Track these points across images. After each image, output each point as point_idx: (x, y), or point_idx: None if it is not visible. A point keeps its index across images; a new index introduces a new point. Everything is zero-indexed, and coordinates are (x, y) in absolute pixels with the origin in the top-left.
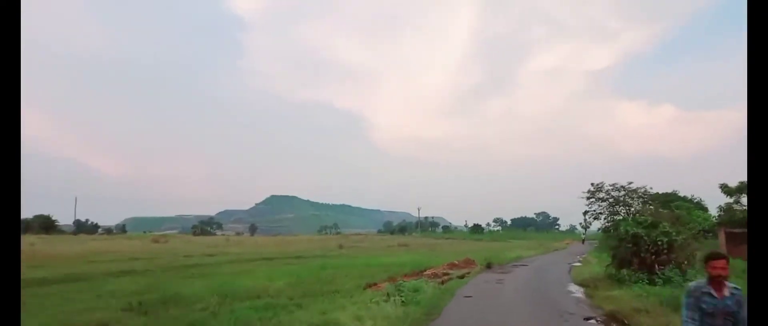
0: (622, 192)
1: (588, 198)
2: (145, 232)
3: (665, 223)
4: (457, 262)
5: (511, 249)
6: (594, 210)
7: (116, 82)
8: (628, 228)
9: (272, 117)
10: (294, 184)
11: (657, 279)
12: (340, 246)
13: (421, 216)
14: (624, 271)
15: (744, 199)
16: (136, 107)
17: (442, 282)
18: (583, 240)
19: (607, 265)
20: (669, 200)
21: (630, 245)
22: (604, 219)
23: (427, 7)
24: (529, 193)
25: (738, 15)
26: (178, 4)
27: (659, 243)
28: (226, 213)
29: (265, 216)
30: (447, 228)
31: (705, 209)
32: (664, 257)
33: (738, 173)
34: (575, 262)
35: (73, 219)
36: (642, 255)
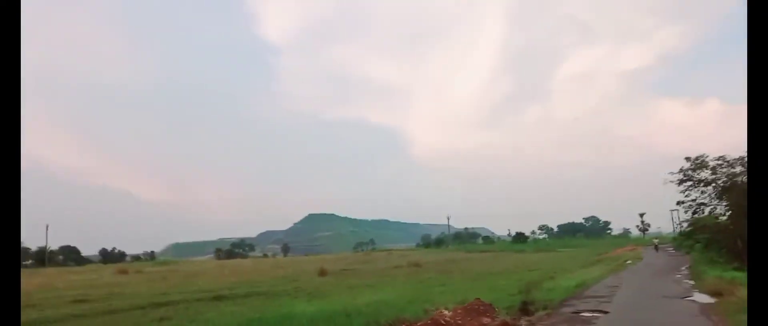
0: (738, 168)
1: (681, 182)
2: (179, 258)
3: None
4: (453, 311)
5: (564, 266)
6: (692, 201)
7: (152, 109)
8: None
9: (307, 136)
10: (332, 202)
11: None
12: (322, 273)
13: (462, 227)
14: None
15: None
16: (172, 133)
17: None
18: (656, 246)
19: None
20: None
21: None
22: (708, 210)
23: (453, 22)
24: (574, 198)
25: None
26: (211, 32)
27: None
28: (267, 235)
29: (303, 235)
30: (487, 239)
31: None
32: None
33: None
34: (702, 296)
35: (98, 249)
36: None
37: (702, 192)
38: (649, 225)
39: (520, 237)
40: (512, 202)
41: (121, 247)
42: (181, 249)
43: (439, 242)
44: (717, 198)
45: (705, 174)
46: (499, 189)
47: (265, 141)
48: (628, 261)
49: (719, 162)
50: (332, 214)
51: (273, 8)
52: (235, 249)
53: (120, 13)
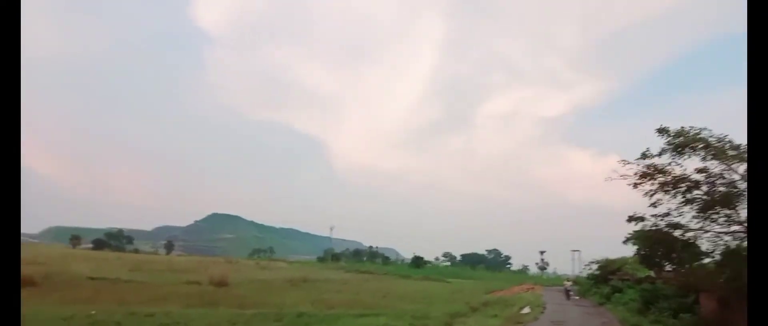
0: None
1: (643, 176)
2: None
3: None
4: None
5: (441, 304)
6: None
7: (63, 83)
8: None
9: (228, 133)
10: (240, 204)
11: None
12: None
13: (372, 245)
14: None
15: None
16: (87, 109)
17: None
18: (568, 291)
19: None
20: None
21: None
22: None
23: (392, 44)
24: (481, 231)
25: (686, 78)
26: (141, 11)
27: None
28: (165, 229)
29: (203, 234)
30: (386, 260)
31: None
32: None
33: None
34: None
35: None
36: None
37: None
38: (547, 264)
39: (417, 262)
40: (424, 227)
41: None
42: (61, 233)
43: (336, 257)
44: (700, 211)
45: (690, 161)
46: (414, 212)
47: (184, 130)
48: (525, 310)
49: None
50: (237, 216)
51: None
52: (109, 241)
53: None
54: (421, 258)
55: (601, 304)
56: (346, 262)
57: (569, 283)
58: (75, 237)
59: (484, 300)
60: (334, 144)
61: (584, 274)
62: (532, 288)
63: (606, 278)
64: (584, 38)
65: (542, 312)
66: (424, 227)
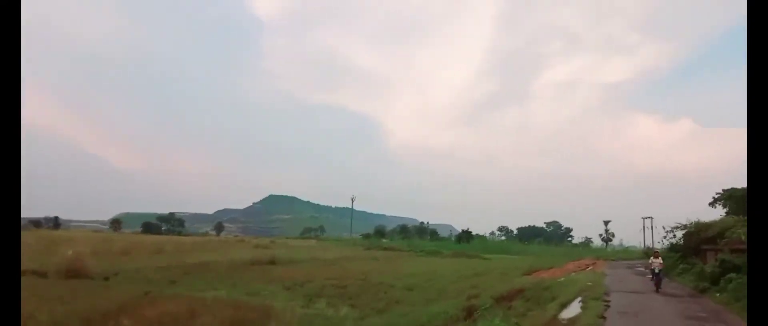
0: None
1: None
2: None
3: None
4: None
5: (424, 301)
6: None
7: (129, 77)
8: None
9: (284, 117)
10: (296, 185)
11: None
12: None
13: (431, 222)
14: None
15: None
16: (147, 102)
17: None
18: (657, 275)
19: None
20: None
21: None
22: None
23: (443, 20)
24: (540, 203)
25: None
26: (200, 1)
27: None
28: (224, 212)
29: (261, 216)
30: (435, 236)
31: None
32: None
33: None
34: None
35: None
36: None
37: None
38: (613, 235)
39: (465, 236)
40: (480, 202)
41: (70, 213)
42: (132, 219)
43: (381, 234)
44: None
45: None
46: (470, 188)
47: (242, 117)
48: (573, 308)
49: None
50: (293, 197)
51: None
52: (160, 224)
53: None
54: (470, 232)
55: (703, 293)
56: (391, 239)
57: (657, 261)
58: (116, 220)
59: (505, 290)
60: (388, 123)
61: (663, 245)
62: (594, 263)
63: (698, 248)
64: (643, 0)
65: (605, 313)
66: (480, 202)
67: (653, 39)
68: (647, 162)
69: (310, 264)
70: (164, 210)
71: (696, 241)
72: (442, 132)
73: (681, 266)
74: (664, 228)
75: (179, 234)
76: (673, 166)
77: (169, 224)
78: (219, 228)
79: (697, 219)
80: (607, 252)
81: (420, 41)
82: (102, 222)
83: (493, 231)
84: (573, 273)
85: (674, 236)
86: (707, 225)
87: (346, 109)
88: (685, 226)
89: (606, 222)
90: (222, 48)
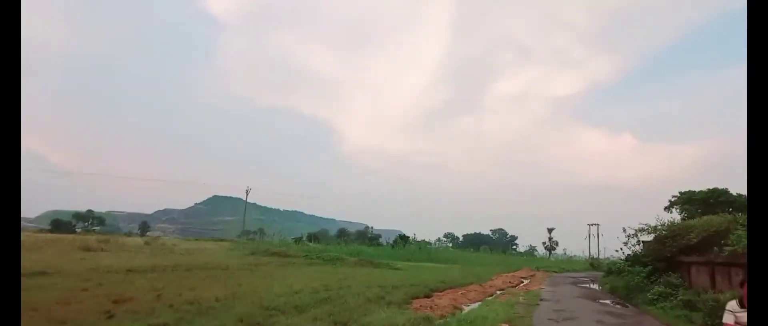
0: None
1: None
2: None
3: None
4: None
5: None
6: None
7: (71, 74)
8: None
9: (235, 119)
10: (243, 187)
11: None
12: None
13: (382, 228)
14: None
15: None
16: (89, 100)
17: None
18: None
19: None
20: None
21: None
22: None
23: (399, 28)
24: (487, 212)
25: (697, 54)
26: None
27: None
28: (164, 212)
29: (203, 217)
30: (375, 241)
31: None
32: None
33: None
34: None
35: None
36: None
37: None
38: (557, 244)
39: (402, 242)
40: (431, 208)
41: None
42: (60, 217)
43: (314, 238)
44: None
45: None
46: (420, 193)
47: (191, 117)
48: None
49: None
50: (238, 199)
51: None
52: (73, 222)
53: None
54: (406, 237)
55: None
56: (322, 244)
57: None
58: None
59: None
60: (342, 128)
61: (618, 254)
62: (531, 276)
63: (674, 260)
64: (592, 15)
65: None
66: (430, 208)
67: (598, 53)
68: (592, 173)
69: (90, 276)
70: (101, 209)
71: (672, 250)
72: (396, 138)
73: (655, 288)
74: (624, 230)
75: (92, 232)
76: (617, 178)
77: (85, 222)
78: (144, 227)
79: (667, 221)
80: (550, 262)
81: (376, 47)
82: (28, 220)
83: (439, 238)
84: (496, 293)
85: (638, 242)
86: (686, 228)
87: (300, 113)
88: (654, 229)
89: (550, 230)
90: (172, 46)
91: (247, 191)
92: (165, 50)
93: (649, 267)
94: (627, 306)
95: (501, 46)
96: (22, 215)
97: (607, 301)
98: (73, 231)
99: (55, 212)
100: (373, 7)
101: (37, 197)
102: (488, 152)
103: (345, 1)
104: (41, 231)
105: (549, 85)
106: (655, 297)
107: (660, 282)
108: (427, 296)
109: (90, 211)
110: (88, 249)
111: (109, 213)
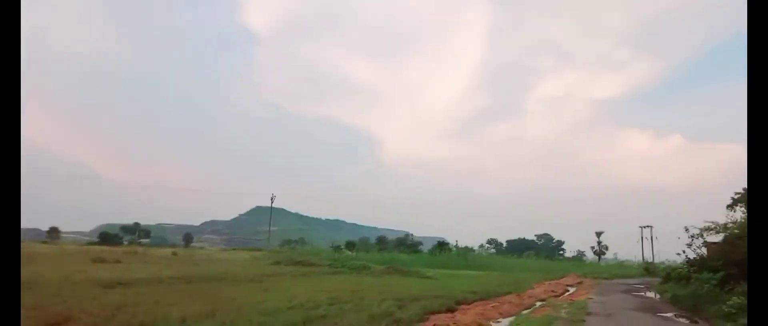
0: None
1: None
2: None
3: None
4: None
5: None
6: None
7: (117, 88)
8: None
9: (274, 129)
10: (287, 198)
11: None
12: None
13: (422, 235)
14: None
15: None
16: (136, 113)
17: None
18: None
19: None
20: None
21: None
22: None
23: (436, 34)
24: (531, 217)
25: (742, 55)
26: (191, 13)
27: None
28: (210, 223)
29: (247, 227)
30: (415, 249)
31: None
32: None
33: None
34: None
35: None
36: None
37: None
38: (606, 248)
39: (438, 249)
40: (473, 214)
41: (53, 223)
42: (112, 231)
43: (351, 245)
44: None
45: None
46: (463, 200)
47: (232, 129)
48: None
49: None
50: (281, 209)
51: None
52: (121, 235)
53: None
54: (445, 243)
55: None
56: (361, 251)
57: None
58: (53, 229)
59: None
60: (381, 136)
61: (679, 258)
62: (578, 283)
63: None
64: (631, 16)
65: None
66: (472, 214)
67: (642, 55)
68: (638, 175)
69: (59, 291)
70: (150, 221)
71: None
72: (435, 145)
73: (733, 299)
74: (687, 229)
75: (138, 244)
76: (664, 180)
77: (132, 234)
78: (188, 239)
79: (739, 219)
80: (600, 268)
81: (413, 54)
82: (83, 234)
83: (482, 244)
84: (534, 305)
85: (704, 244)
86: None
87: (338, 121)
88: (725, 228)
89: (598, 234)
90: (212, 59)
91: (271, 198)
92: (207, 64)
93: (721, 273)
94: (696, 322)
95: (539, 50)
96: (77, 229)
97: (670, 314)
98: (121, 243)
99: (109, 225)
100: (409, 15)
101: (95, 210)
102: (529, 156)
103: (381, 10)
104: (90, 243)
105: (590, 88)
106: (733, 311)
107: (736, 291)
108: (451, 310)
109: (137, 224)
110: (102, 260)
111: (159, 225)
